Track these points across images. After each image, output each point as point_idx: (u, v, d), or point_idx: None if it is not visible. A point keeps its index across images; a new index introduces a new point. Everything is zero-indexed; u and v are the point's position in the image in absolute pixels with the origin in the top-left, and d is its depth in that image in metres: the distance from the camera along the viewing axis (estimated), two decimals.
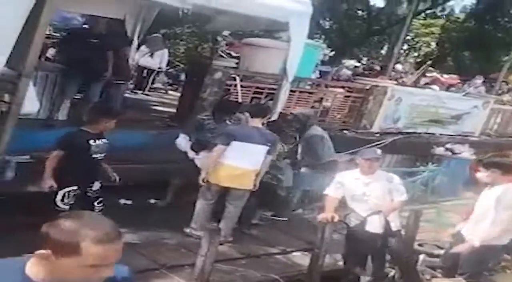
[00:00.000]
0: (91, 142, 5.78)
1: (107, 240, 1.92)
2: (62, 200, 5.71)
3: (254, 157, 6.89)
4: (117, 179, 6.13)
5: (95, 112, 6.22)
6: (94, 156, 5.85)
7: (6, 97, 6.08)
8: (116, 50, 8.49)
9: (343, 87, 11.65)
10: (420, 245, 7.58)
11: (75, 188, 5.79)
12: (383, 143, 10.66)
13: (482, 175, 5.90)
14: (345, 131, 11.10)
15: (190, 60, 11.40)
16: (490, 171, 5.80)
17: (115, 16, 9.00)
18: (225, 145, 6.75)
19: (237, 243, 7.08)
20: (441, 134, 12.56)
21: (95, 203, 5.98)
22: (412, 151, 11.86)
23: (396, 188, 6.26)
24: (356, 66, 14.14)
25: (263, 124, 7.23)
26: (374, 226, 6.20)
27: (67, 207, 5.74)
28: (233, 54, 12.30)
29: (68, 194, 5.75)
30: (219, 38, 11.78)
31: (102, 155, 5.94)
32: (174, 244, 6.77)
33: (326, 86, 11.88)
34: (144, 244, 6.52)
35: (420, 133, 12.19)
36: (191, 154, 7.50)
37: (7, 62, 5.79)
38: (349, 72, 12.29)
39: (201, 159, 7.34)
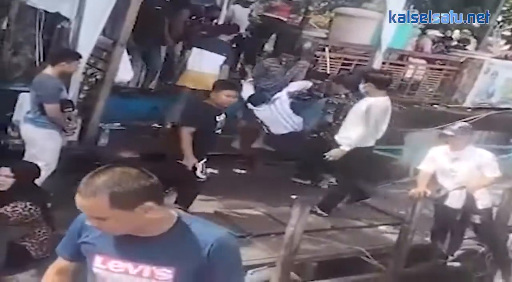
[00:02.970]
0: (217, 118, 5.75)
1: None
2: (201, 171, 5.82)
3: None
4: None
5: (218, 84, 5.98)
6: (217, 131, 5.85)
7: (101, 65, 6.23)
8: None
9: (428, 59, 11.24)
10: None
11: (205, 160, 5.89)
12: (475, 118, 10.25)
13: (361, 86, 6.65)
14: (435, 105, 10.76)
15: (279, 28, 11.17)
16: (367, 84, 6.52)
17: None
18: None
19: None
20: None
21: None
22: (505, 127, 11.35)
23: (487, 163, 6.02)
24: (438, 36, 13.49)
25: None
26: (454, 201, 6.12)
27: (205, 176, 5.90)
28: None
29: (205, 165, 5.88)
30: (310, 8, 11.50)
31: (220, 130, 5.92)
32: (261, 214, 6.77)
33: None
34: (230, 213, 6.53)
35: None
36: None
37: (103, 30, 5.90)
38: (430, 43, 11.79)
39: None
